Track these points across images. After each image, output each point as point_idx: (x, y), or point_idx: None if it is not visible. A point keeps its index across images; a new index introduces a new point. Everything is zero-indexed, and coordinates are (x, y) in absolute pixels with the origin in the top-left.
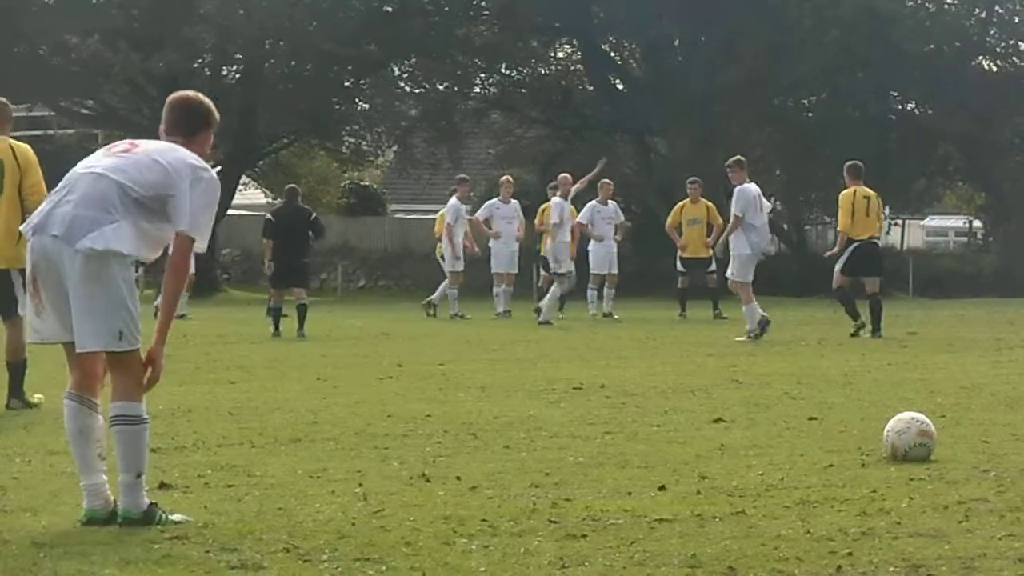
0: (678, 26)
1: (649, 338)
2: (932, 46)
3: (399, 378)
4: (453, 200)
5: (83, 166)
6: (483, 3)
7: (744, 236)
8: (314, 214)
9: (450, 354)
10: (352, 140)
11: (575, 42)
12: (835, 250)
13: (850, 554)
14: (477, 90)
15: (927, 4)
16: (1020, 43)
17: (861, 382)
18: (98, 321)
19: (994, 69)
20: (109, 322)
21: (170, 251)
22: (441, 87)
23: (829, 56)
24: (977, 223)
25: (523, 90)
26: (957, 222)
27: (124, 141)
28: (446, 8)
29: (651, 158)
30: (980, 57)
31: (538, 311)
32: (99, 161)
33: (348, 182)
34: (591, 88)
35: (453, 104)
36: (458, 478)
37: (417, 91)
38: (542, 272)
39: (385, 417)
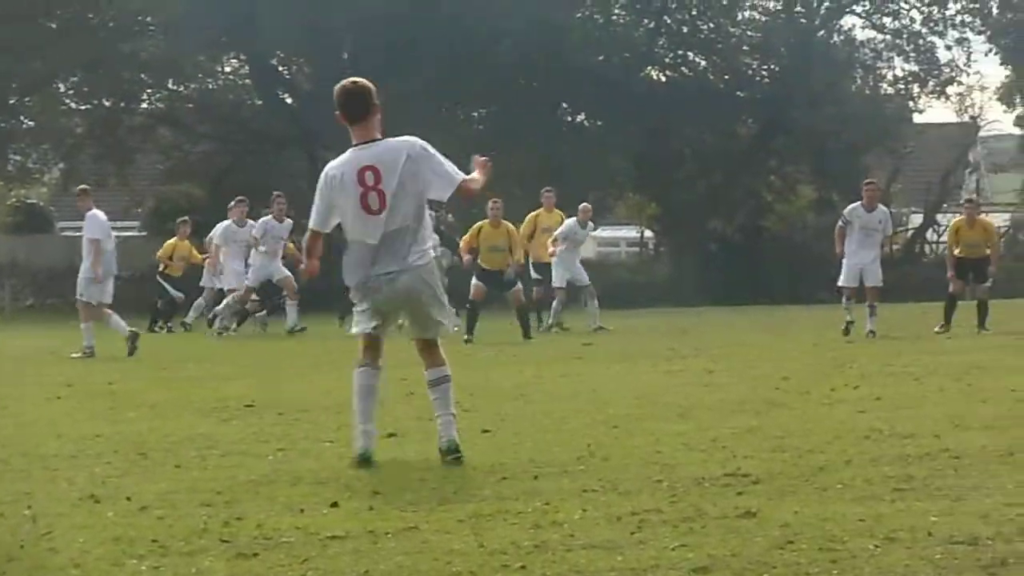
0: (348, 37)
1: (322, 353)
2: (601, 57)
3: (69, 398)
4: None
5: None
6: (148, 19)
7: (96, 259)
8: None
9: (119, 373)
10: (18, 158)
11: (242, 56)
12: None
13: (523, 567)
14: (144, 105)
15: (596, 15)
16: (689, 53)
17: (535, 394)
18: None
19: (663, 80)
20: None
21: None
22: (107, 103)
23: (502, 68)
24: (648, 233)
25: (190, 105)
26: (629, 232)
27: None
28: (111, 24)
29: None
30: (649, 68)
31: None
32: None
33: (15, 200)
34: (260, 102)
35: (119, 120)
36: (128, 498)
37: (83, 107)
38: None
39: (55, 437)
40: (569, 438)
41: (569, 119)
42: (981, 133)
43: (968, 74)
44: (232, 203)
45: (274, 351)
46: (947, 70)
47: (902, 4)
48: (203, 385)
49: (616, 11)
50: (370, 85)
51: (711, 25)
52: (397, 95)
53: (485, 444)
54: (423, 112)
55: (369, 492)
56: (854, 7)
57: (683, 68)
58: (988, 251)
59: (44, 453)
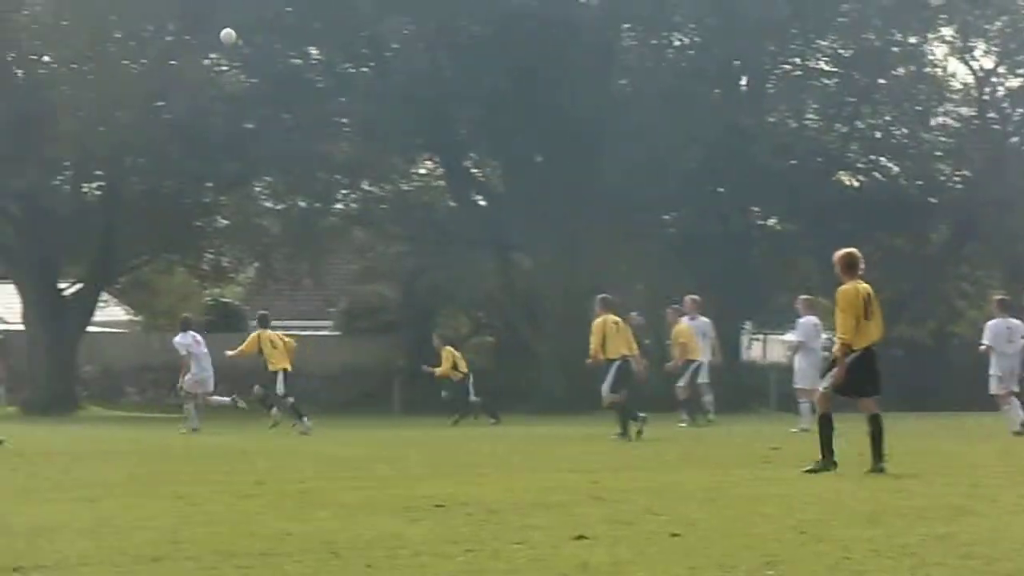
0: (539, 143)
1: (510, 453)
2: (794, 161)
3: (260, 496)
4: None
5: None
6: (344, 120)
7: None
8: None
9: (310, 472)
10: (212, 256)
11: (437, 159)
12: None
13: None
14: (339, 206)
15: (788, 120)
16: (881, 158)
17: (723, 498)
18: None
19: (855, 184)
20: None
21: None
22: (303, 203)
23: (691, 173)
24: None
25: (384, 206)
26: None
27: None
28: (306, 125)
29: (512, 273)
30: (841, 172)
31: None
32: None
33: (209, 298)
34: (453, 204)
35: (314, 220)
36: None
37: (279, 207)
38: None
39: (246, 535)
40: (757, 543)
41: (761, 222)
42: None
43: None
44: None
45: (466, 450)
46: None
47: None
48: (393, 484)
49: (808, 116)
50: None
51: (904, 131)
52: (585, 201)
53: (674, 548)
54: (609, 218)
55: None
56: None
57: (875, 173)
58: None
59: (236, 551)
